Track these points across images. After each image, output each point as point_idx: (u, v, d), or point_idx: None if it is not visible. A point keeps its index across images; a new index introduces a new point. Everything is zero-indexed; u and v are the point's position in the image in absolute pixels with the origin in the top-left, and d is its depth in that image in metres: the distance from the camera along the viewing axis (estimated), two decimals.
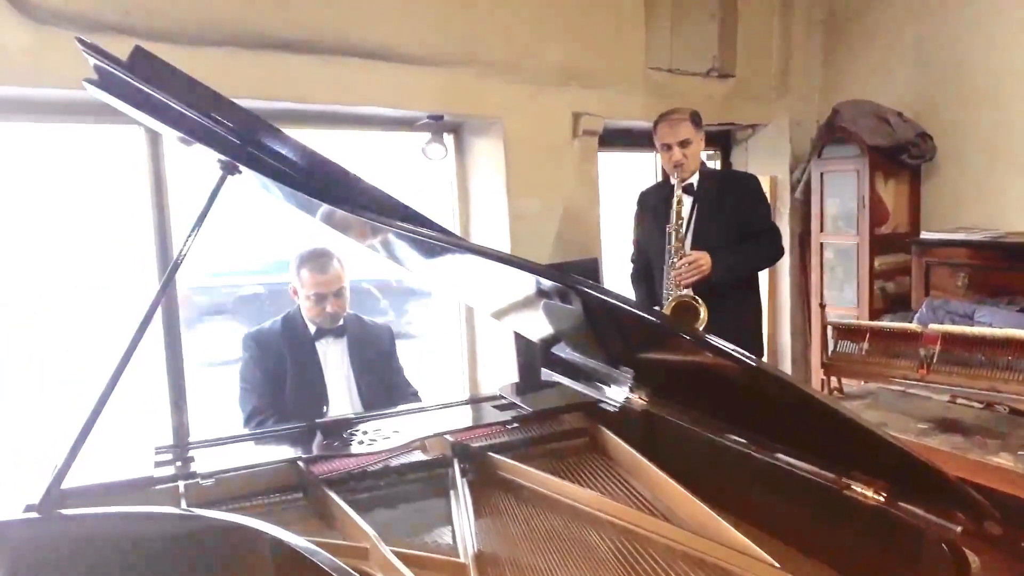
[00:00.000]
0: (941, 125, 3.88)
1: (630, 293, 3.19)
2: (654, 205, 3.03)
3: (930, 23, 3.94)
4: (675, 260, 2.80)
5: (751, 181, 3.04)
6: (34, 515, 1.35)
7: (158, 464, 1.63)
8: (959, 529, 1.14)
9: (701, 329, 2.73)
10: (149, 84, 1.35)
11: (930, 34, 3.95)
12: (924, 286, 3.65)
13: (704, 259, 2.76)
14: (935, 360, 2.25)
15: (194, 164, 1.94)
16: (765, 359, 3.61)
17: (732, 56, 4.17)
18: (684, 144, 2.86)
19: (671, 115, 2.92)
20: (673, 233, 2.82)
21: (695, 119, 2.90)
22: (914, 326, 2.39)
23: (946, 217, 3.92)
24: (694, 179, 2.92)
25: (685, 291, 2.77)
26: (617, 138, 3.89)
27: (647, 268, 3.06)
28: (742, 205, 2.92)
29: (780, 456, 1.41)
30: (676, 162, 2.86)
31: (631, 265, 3.22)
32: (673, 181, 2.87)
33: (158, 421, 2.79)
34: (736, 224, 2.89)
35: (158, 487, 1.53)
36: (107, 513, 1.38)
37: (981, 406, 2.24)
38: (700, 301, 2.75)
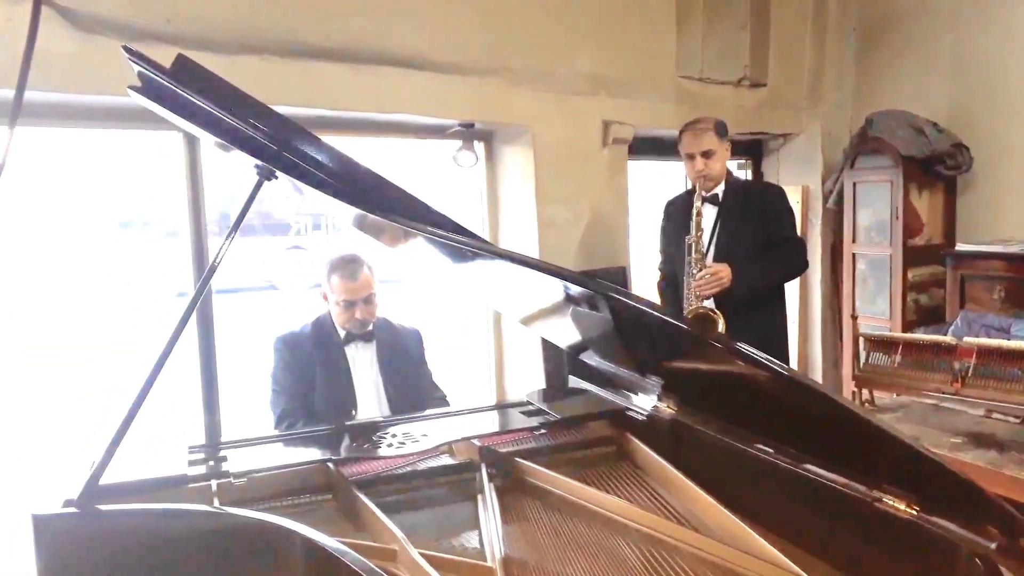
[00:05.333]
0: (978, 136, 3.82)
1: (657, 301, 3.18)
2: (679, 214, 3.01)
3: (966, 32, 3.89)
4: (695, 271, 2.78)
5: (776, 192, 3.01)
6: (73, 510, 1.38)
7: (192, 463, 1.66)
8: (994, 545, 1.12)
9: None
10: (191, 91, 1.38)
11: (966, 43, 3.89)
12: (959, 299, 3.59)
13: (724, 271, 2.73)
14: (970, 374, 2.22)
15: (231, 169, 1.98)
16: None
17: (764, 65, 4.15)
18: (707, 155, 2.83)
19: (695, 125, 2.90)
20: (693, 244, 2.80)
21: (720, 129, 2.87)
22: (948, 339, 2.35)
23: (982, 229, 3.85)
24: (719, 189, 2.90)
25: (705, 303, 2.75)
26: (647, 147, 3.89)
27: (673, 277, 3.04)
28: (766, 216, 2.88)
29: (810, 467, 1.40)
30: (699, 172, 2.84)
31: (658, 273, 3.20)
32: (697, 192, 2.85)
33: (189, 420, 2.84)
34: (760, 236, 2.85)
35: (191, 485, 1.56)
36: (142, 509, 1.41)
37: (1017, 421, 2.20)
38: (718, 313, 2.73)
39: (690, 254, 2.81)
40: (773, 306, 2.95)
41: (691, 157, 2.87)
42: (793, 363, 3.45)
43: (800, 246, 2.95)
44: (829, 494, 1.34)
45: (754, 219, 2.86)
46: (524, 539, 1.45)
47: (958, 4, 3.92)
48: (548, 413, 2.00)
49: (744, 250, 2.82)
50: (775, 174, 4.50)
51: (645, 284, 3.86)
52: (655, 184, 4.32)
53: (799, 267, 2.98)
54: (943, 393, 2.29)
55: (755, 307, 2.79)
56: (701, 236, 2.81)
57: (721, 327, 2.70)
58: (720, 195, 2.90)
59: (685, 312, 2.79)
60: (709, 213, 2.87)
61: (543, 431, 1.90)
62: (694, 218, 2.82)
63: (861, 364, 2.51)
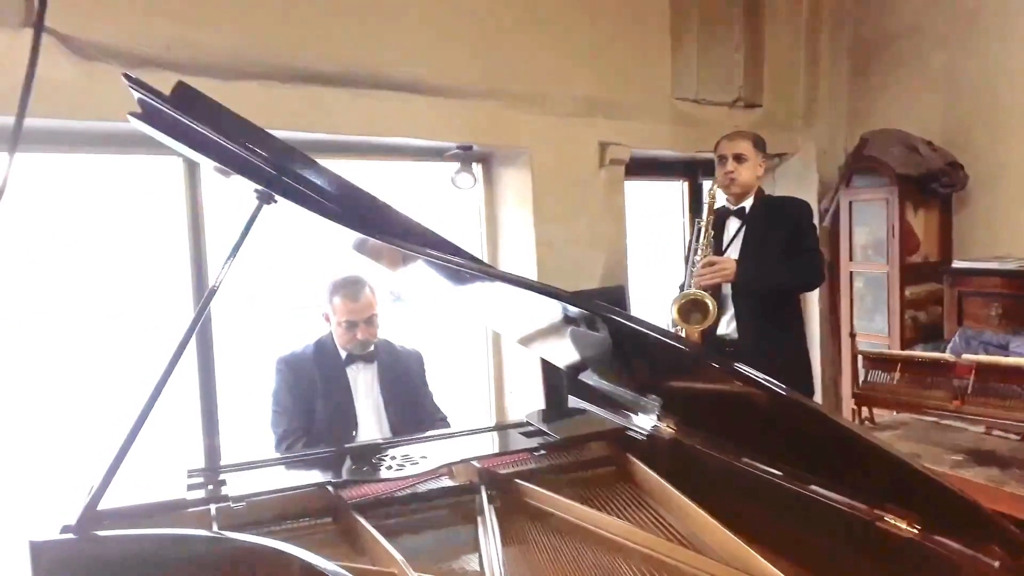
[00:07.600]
0: (972, 154, 3.85)
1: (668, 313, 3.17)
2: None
3: (959, 51, 3.93)
4: (697, 259, 2.79)
5: (803, 206, 3.00)
6: (71, 536, 1.37)
7: (190, 487, 1.65)
8: (996, 564, 1.12)
9: (708, 326, 2.74)
10: (190, 117, 1.39)
11: (959, 62, 3.93)
12: (957, 316, 3.60)
13: (728, 263, 2.74)
14: (969, 391, 2.22)
15: (231, 194, 1.99)
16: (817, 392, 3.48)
17: (759, 86, 4.19)
18: (739, 159, 2.86)
19: (733, 132, 2.98)
20: (702, 229, 2.81)
21: (757, 141, 2.94)
22: (947, 356, 2.36)
23: (978, 246, 3.87)
24: (748, 203, 2.92)
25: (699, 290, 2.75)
26: (644, 167, 3.91)
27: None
28: (790, 228, 2.88)
29: (811, 486, 1.39)
30: (727, 173, 2.87)
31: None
32: (720, 197, 2.88)
33: (189, 443, 2.83)
34: (781, 250, 2.85)
35: (190, 510, 1.55)
36: (141, 535, 1.39)
37: (1018, 438, 2.20)
38: (709, 297, 2.72)
39: (698, 240, 2.82)
40: (787, 318, 2.92)
41: (723, 160, 2.90)
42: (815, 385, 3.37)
43: (816, 256, 2.91)
44: (830, 513, 1.34)
45: (779, 231, 2.86)
46: (524, 561, 1.45)
47: (950, 23, 3.96)
48: (548, 434, 1.99)
49: (767, 261, 2.83)
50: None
51: (644, 303, 3.87)
52: (652, 204, 4.34)
53: (811, 275, 2.92)
54: (944, 411, 2.29)
55: (767, 316, 2.79)
56: (710, 225, 2.82)
57: (712, 308, 2.70)
58: (747, 208, 2.92)
59: (679, 296, 2.79)
60: (734, 225, 2.90)
61: (543, 452, 1.89)
62: (705, 215, 2.83)
63: (860, 382, 2.51)
